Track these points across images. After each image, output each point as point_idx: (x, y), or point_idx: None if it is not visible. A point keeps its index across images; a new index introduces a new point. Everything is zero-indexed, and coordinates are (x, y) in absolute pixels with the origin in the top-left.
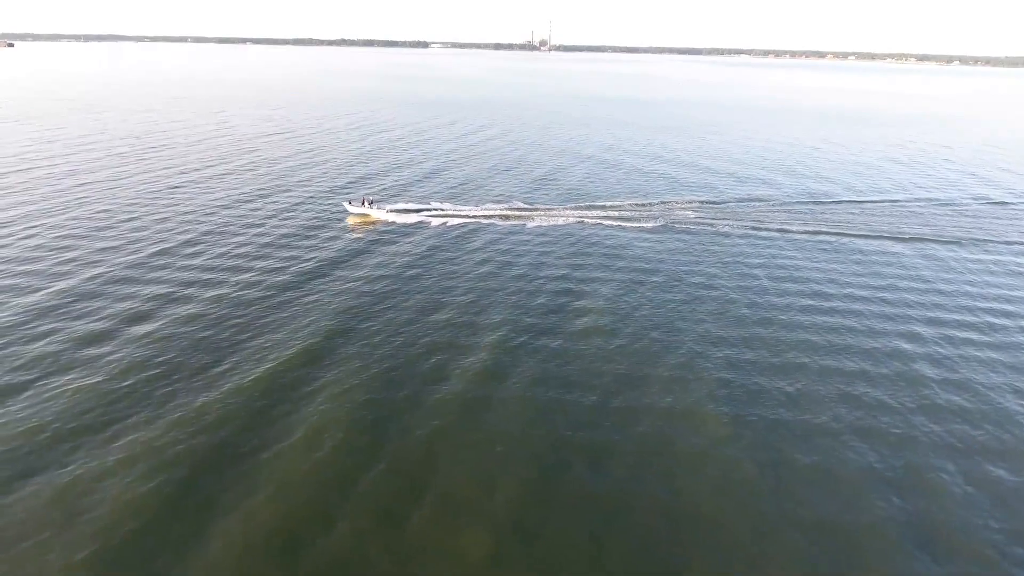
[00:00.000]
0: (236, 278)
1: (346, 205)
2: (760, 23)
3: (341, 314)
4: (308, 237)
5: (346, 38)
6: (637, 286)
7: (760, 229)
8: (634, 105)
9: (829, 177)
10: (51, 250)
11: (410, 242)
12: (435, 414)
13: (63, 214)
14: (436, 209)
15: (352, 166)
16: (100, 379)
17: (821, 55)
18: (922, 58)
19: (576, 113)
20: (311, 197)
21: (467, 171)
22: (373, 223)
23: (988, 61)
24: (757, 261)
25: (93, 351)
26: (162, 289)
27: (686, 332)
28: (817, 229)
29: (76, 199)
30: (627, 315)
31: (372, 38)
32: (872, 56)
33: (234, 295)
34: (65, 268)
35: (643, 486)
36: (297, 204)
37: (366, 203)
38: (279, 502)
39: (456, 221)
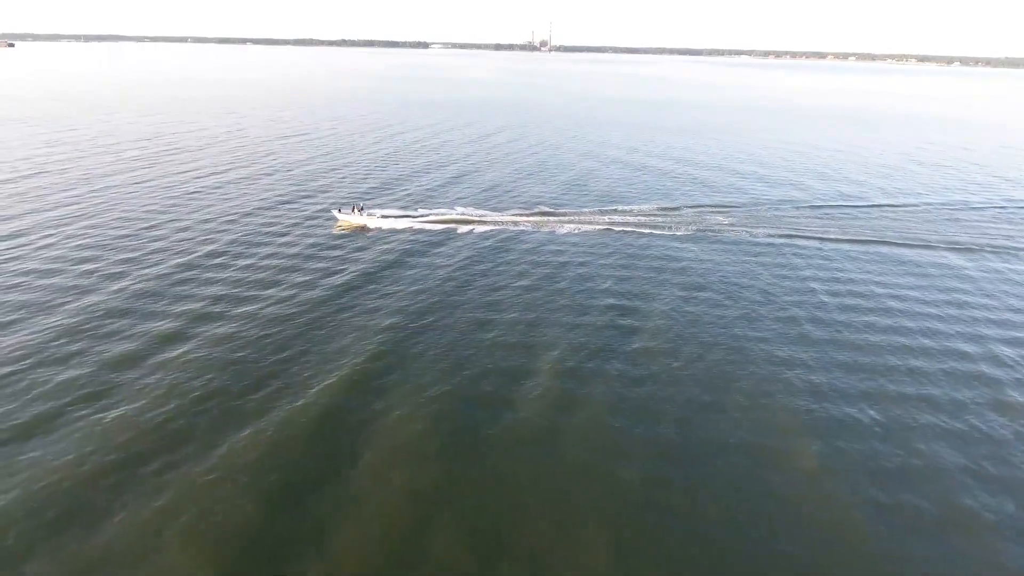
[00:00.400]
0: (266, 292)
1: (335, 213)
2: (759, 24)
3: (382, 333)
4: (337, 247)
5: (346, 38)
6: (687, 300)
7: (799, 236)
8: (647, 107)
9: (859, 180)
10: (70, 261)
11: (439, 253)
12: (502, 448)
13: (80, 222)
14: (430, 215)
15: (372, 171)
16: (137, 405)
17: (822, 56)
18: (922, 59)
19: (589, 115)
20: (335, 204)
21: (492, 175)
22: (363, 230)
23: (988, 62)
24: (807, 272)
25: (126, 375)
26: (191, 305)
27: (751, 352)
28: (860, 237)
29: (92, 205)
30: (684, 333)
31: (372, 38)
32: (872, 57)
33: (266, 311)
34: (86, 281)
35: (740, 531)
36: (321, 211)
37: (356, 210)
38: (353, 546)
39: (469, 228)
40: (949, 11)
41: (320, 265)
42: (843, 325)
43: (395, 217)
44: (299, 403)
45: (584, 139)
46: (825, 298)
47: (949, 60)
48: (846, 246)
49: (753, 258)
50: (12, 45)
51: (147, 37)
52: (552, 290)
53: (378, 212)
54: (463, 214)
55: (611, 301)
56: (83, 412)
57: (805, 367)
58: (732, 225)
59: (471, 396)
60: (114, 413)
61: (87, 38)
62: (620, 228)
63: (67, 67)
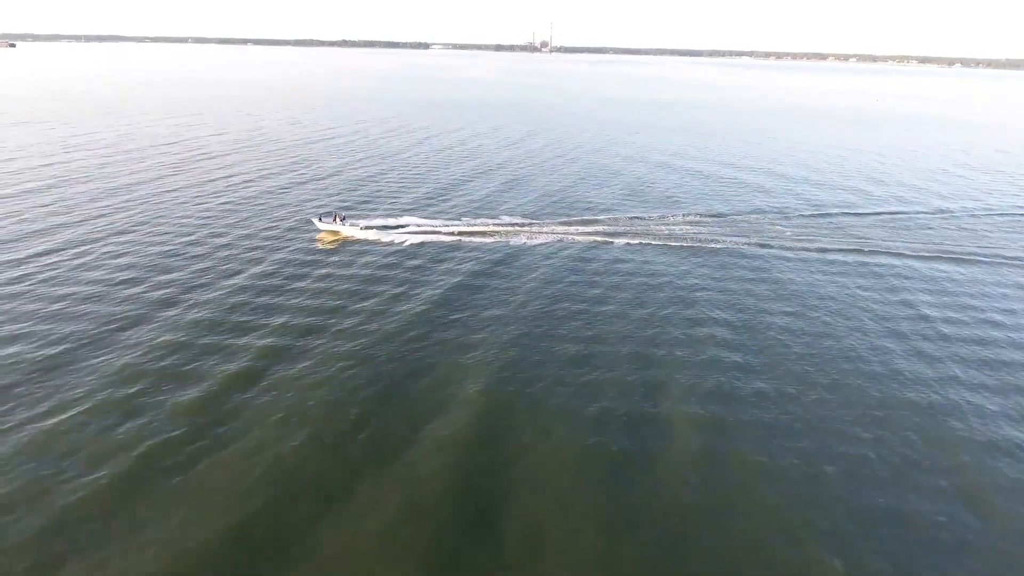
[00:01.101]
0: (339, 324)
1: (315, 221)
2: (759, 25)
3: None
4: (423, 268)
5: (347, 39)
6: (794, 326)
7: (872, 251)
8: (670, 109)
9: (914, 185)
10: (113, 284)
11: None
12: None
13: (114, 237)
14: (419, 226)
15: (414, 180)
16: (268, 455)
17: (823, 57)
18: (924, 60)
19: (615, 118)
20: (389, 216)
21: (544, 182)
22: (346, 240)
23: (989, 63)
24: (919, 297)
25: (215, 431)
26: (259, 340)
27: (870, 401)
28: (944, 251)
29: (125, 217)
30: (783, 366)
31: (373, 39)
32: (874, 58)
33: (343, 345)
34: (135, 310)
35: None
36: (367, 228)
37: (338, 219)
38: None
39: (476, 240)
40: (948, 12)
41: (399, 290)
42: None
43: (379, 228)
44: (429, 445)
45: (647, 146)
46: (945, 327)
47: (950, 61)
48: (936, 267)
49: (830, 274)
50: (13, 45)
51: (147, 37)
52: (646, 316)
53: (360, 223)
54: (608, 221)
55: (711, 331)
56: (172, 484)
57: (938, 414)
58: (798, 236)
59: (589, 422)
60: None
61: (87, 38)
62: (678, 242)
63: (74, 67)
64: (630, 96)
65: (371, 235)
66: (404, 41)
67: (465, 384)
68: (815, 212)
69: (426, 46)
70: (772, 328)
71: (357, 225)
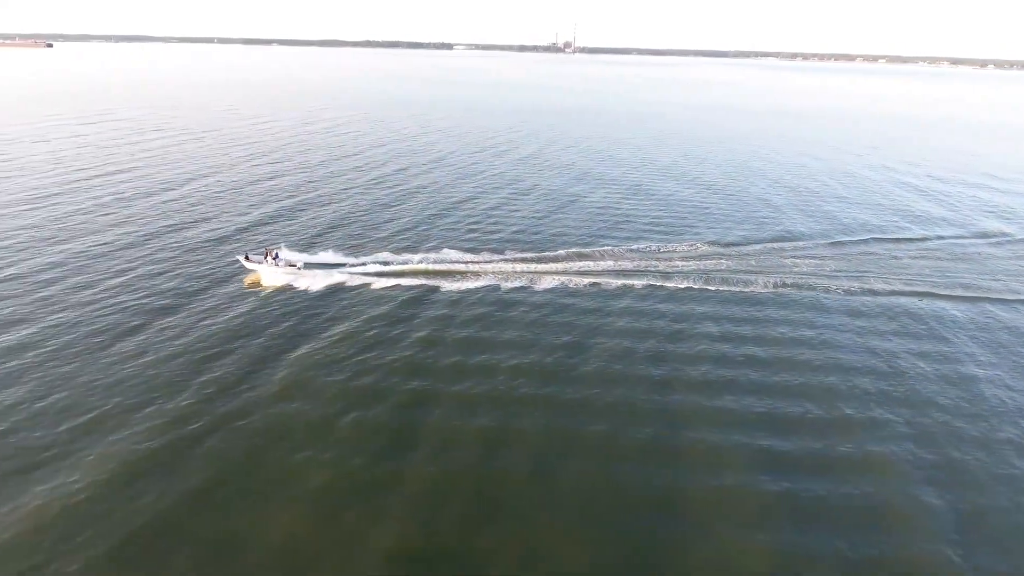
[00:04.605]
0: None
1: (242, 260)
2: (784, 25)
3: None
4: (381, 318)
5: (371, 39)
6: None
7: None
8: (764, 117)
9: None
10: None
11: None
12: None
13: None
14: (385, 263)
15: (508, 208)
16: None
17: (851, 58)
18: (956, 62)
19: (720, 127)
20: (526, 237)
21: (701, 202)
22: (276, 286)
23: None
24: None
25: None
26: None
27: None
28: None
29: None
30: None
31: (397, 40)
32: (903, 59)
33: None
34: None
35: None
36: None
37: (269, 257)
38: None
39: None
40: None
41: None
42: None
43: (323, 267)
44: None
45: (772, 160)
46: None
47: (983, 63)
48: None
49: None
50: (51, 45)
51: (173, 38)
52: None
53: (300, 260)
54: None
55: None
56: None
57: None
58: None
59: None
60: None
61: (116, 39)
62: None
63: (126, 65)
64: (727, 102)
65: (317, 278)
66: (427, 42)
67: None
68: None
69: (449, 47)
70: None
71: (297, 265)
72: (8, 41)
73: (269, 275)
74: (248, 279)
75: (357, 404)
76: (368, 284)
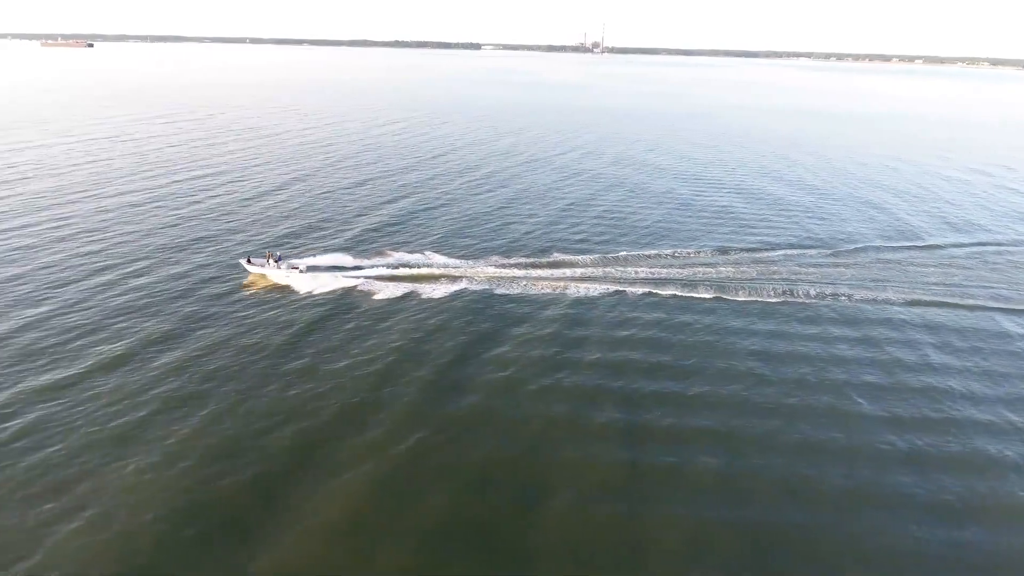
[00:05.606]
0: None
1: (244, 264)
2: (816, 25)
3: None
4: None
5: (400, 39)
6: None
7: None
8: (842, 122)
9: None
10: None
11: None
12: None
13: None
14: (390, 267)
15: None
16: None
17: (886, 59)
18: (995, 63)
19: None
20: (616, 249)
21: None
22: (279, 287)
23: None
24: None
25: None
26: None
27: None
28: None
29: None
30: None
31: (425, 40)
32: (940, 59)
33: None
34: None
35: None
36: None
37: (271, 260)
38: None
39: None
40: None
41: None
42: None
43: (327, 271)
44: None
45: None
46: None
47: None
48: None
49: None
50: (91, 45)
51: (207, 38)
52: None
53: (301, 263)
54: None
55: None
56: None
57: None
58: None
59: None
60: None
61: (152, 39)
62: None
63: (164, 66)
64: (800, 107)
65: (311, 279)
66: (456, 42)
67: None
68: None
69: (477, 47)
70: None
71: (298, 268)
72: (51, 41)
73: (275, 277)
74: (248, 281)
75: (381, 401)
76: (373, 289)
